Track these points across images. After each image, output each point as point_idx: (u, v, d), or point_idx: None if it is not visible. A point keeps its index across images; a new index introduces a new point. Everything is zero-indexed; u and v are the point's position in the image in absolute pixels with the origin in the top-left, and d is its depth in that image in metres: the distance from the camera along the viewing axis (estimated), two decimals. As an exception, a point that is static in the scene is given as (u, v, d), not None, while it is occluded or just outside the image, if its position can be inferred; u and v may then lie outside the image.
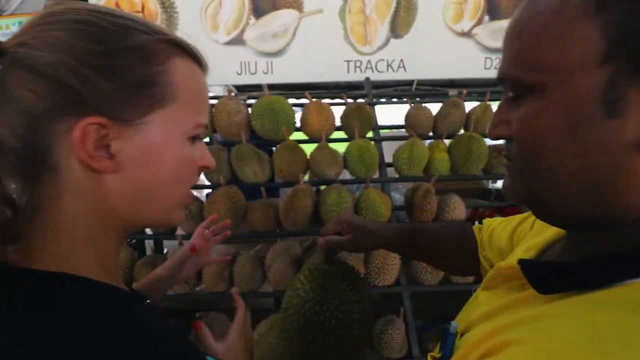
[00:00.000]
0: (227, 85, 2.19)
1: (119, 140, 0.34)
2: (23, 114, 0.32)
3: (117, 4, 1.84)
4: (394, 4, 1.84)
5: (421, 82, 2.15)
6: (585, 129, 0.28)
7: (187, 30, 1.84)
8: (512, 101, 0.33)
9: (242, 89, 2.15)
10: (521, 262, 0.32)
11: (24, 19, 1.83)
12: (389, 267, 1.24)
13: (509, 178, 0.37)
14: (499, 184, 3.81)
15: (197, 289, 1.32)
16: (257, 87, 1.92)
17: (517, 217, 0.56)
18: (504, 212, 2.13)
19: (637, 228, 0.28)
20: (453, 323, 0.39)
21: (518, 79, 0.31)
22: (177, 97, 0.39)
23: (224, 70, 1.90)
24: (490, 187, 3.22)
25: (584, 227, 0.32)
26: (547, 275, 0.30)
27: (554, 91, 0.29)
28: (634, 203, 0.28)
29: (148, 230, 1.47)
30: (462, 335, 0.37)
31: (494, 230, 0.59)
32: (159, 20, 1.87)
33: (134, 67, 0.35)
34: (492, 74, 1.93)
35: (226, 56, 1.89)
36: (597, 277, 0.27)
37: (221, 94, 1.76)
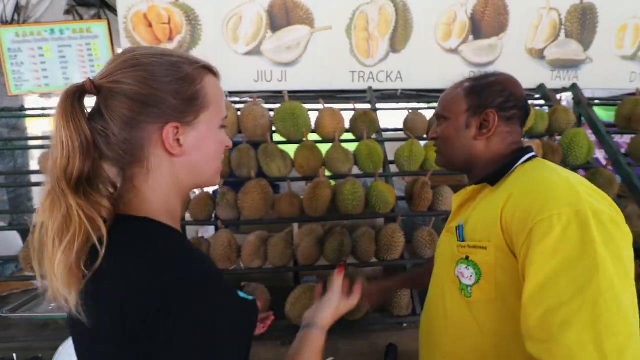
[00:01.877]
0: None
1: (184, 135, 0.52)
2: (126, 125, 0.49)
3: (146, 17, 2.03)
4: (393, 23, 2.13)
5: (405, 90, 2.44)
6: (461, 132, 0.79)
7: (209, 41, 2.07)
8: (438, 123, 0.87)
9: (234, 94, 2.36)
10: (479, 181, 0.76)
11: (48, 27, 1.98)
12: (395, 244, 1.52)
13: (437, 155, 0.88)
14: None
15: (234, 267, 1.54)
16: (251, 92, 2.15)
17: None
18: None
19: (479, 168, 0.79)
20: (459, 222, 0.75)
21: (443, 114, 0.84)
22: (211, 102, 0.55)
23: (243, 78, 2.12)
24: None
25: (465, 169, 0.84)
26: (492, 179, 0.74)
27: (452, 120, 0.81)
28: (477, 158, 0.79)
29: (187, 217, 1.68)
30: (462, 227, 0.74)
31: None
32: (183, 32, 2.07)
33: (186, 88, 0.52)
34: (475, 85, 2.25)
35: (245, 65, 2.12)
36: (501, 175, 0.73)
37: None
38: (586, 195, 0.57)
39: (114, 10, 2.48)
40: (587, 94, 2.26)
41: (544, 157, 1.81)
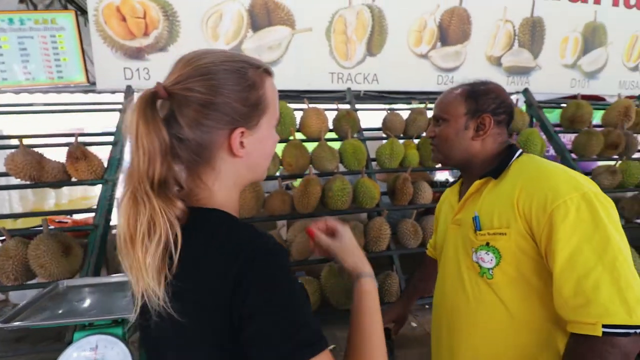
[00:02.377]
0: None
1: (247, 138, 0.55)
2: (199, 130, 0.51)
3: (119, 10, 1.94)
4: (369, 28, 2.24)
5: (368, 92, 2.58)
6: (460, 133, 0.89)
7: (188, 38, 2.03)
8: (435, 123, 0.95)
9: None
10: (482, 176, 0.84)
11: (6, 16, 1.81)
12: (382, 237, 1.63)
13: (434, 153, 0.96)
14: (439, 176, 4.51)
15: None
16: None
17: (434, 227, 1.15)
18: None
19: (477, 165, 0.89)
20: (475, 213, 0.82)
21: (442, 116, 0.92)
22: (270, 104, 0.58)
23: (224, 76, 2.11)
24: (435, 179, 3.85)
25: (461, 166, 0.94)
26: (495, 173, 0.82)
27: (451, 122, 0.90)
28: (474, 156, 0.89)
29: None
30: (479, 217, 0.81)
31: (434, 236, 1.14)
32: (160, 27, 2.01)
33: (252, 95, 0.55)
34: (442, 88, 2.44)
35: (226, 63, 2.10)
36: (502, 169, 0.83)
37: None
38: (581, 179, 0.71)
39: (72, 2, 2.33)
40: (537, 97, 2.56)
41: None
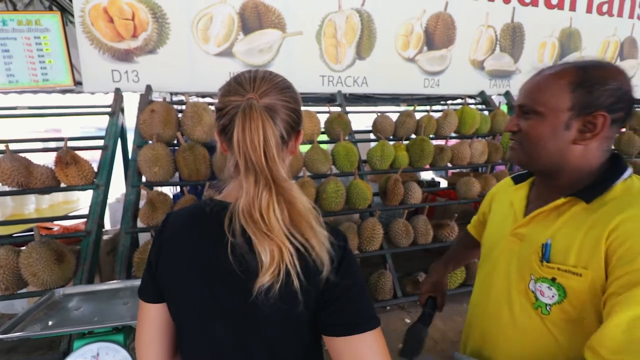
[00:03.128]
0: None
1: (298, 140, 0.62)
2: (285, 127, 0.57)
3: (106, 11, 1.91)
4: (358, 32, 2.28)
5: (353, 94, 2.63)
6: (558, 133, 0.65)
7: (178, 40, 2.02)
8: (522, 115, 0.70)
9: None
10: (573, 195, 0.65)
11: None
12: (375, 236, 1.68)
13: (515, 152, 0.72)
14: (425, 175, 4.62)
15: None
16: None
17: (480, 208, 0.98)
18: (436, 193, 2.77)
19: (567, 176, 0.67)
20: (548, 240, 0.67)
21: (533, 107, 0.67)
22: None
23: (215, 79, 2.10)
24: (422, 178, 3.95)
25: (546, 173, 0.71)
26: (589, 195, 0.64)
27: (547, 117, 0.65)
28: (569, 165, 0.66)
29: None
30: (550, 246, 0.66)
31: (475, 217, 1.01)
32: (149, 29, 1.99)
33: (300, 110, 0.60)
34: (429, 91, 2.52)
35: (217, 66, 2.10)
36: (600, 191, 0.63)
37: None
38: None
39: (55, 2, 2.26)
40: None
41: (489, 155, 2.13)
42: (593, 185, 0.65)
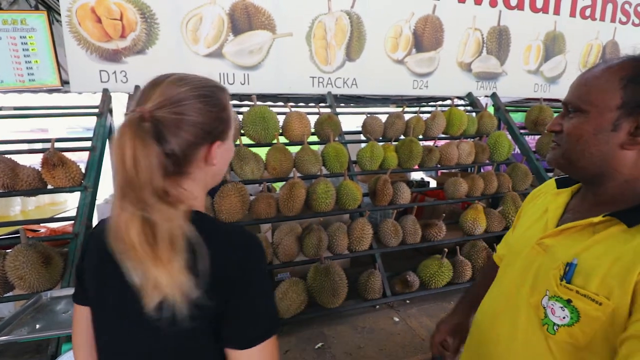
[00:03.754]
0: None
1: (219, 149, 0.63)
2: (186, 145, 0.57)
3: (94, 11, 1.89)
4: (348, 34, 2.30)
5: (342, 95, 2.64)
6: (602, 134, 0.59)
7: (167, 41, 2.01)
8: (567, 114, 0.64)
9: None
10: (612, 214, 0.57)
11: None
12: (365, 236, 1.70)
13: (554, 153, 0.67)
14: (415, 175, 4.67)
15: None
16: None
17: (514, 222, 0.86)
18: (425, 193, 2.81)
19: (613, 188, 0.60)
20: (574, 260, 0.60)
21: (578, 105, 0.62)
22: (231, 118, 0.66)
23: (205, 80, 2.10)
24: (412, 179, 3.99)
25: (589, 181, 0.64)
26: (631, 219, 0.55)
27: (592, 115, 0.60)
28: (616, 173, 0.60)
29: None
30: (575, 266, 0.59)
31: (506, 242, 0.90)
32: (138, 30, 1.97)
33: (224, 114, 0.63)
34: (418, 92, 2.56)
35: (206, 67, 2.10)
36: None
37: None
38: None
39: (42, 1, 2.23)
40: (503, 100, 2.73)
41: (476, 155, 2.17)
42: (638, 208, 0.57)
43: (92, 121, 1.86)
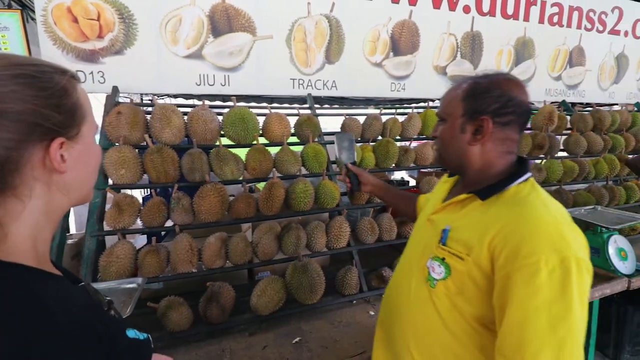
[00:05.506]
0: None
1: (68, 150, 0.48)
2: (5, 149, 0.41)
3: (70, 10, 1.87)
4: (327, 37, 2.36)
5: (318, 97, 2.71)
6: (456, 136, 0.81)
7: (146, 42, 2.02)
8: (440, 122, 0.87)
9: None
10: (471, 192, 0.78)
11: None
12: (343, 234, 1.76)
13: (435, 153, 1.13)
14: (396, 175, 4.78)
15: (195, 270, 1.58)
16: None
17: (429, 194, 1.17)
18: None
19: (471, 174, 0.82)
20: (447, 227, 0.79)
21: (441, 115, 0.86)
22: (87, 111, 0.52)
23: (184, 81, 2.11)
24: (392, 178, 4.09)
25: (457, 171, 0.88)
26: (484, 195, 0.76)
27: (449, 122, 0.83)
28: (471, 163, 0.82)
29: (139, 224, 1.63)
30: (448, 232, 0.79)
31: (428, 194, 1.20)
32: (116, 30, 1.97)
33: (65, 100, 0.47)
34: (395, 95, 2.64)
35: (186, 68, 2.11)
36: (494, 191, 0.76)
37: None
38: (572, 241, 0.64)
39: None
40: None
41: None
42: (491, 185, 0.76)
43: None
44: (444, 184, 0.95)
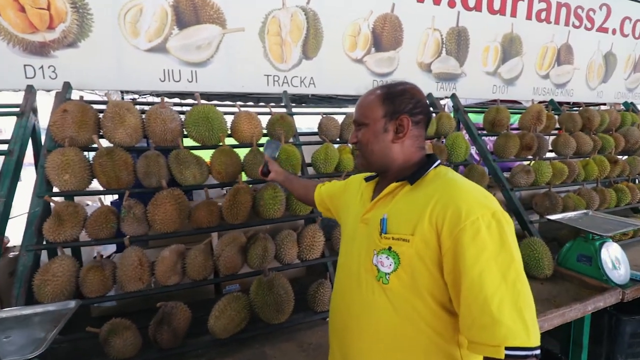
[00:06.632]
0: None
1: None
2: None
3: (14, -2, 1.68)
4: (304, 31, 2.21)
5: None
6: (379, 136, 0.86)
7: (102, 33, 1.84)
8: (357, 129, 0.91)
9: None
10: (401, 179, 0.84)
11: None
12: (316, 244, 1.61)
13: (358, 159, 0.93)
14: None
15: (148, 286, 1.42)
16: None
17: (337, 183, 1.20)
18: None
19: (395, 170, 0.87)
20: (384, 215, 0.82)
21: (361, 121, 0.89)
22: None
23: (147, 77, 1.94)
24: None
25: (382, 170, 0.91)
26: (412, 179, 0.82)
27: (370, 125, 0.87)
28: (394, 160, 0.87)
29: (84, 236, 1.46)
30: (387, 220, 0.81)
31: (328, 185, 1.23)
32: (68, 20, 1.79)
33: None
34: (378, 92, 2.50)
35: (148, 63, 1.93)
36: (419, 176, 0.83)
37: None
38: (492, 199, 0.74)
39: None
40: (462, 102, 2.73)
41: (435, 156, 2.14)
42: (415, 172, 0.84)
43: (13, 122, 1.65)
44: (367, 186, 0.97)
